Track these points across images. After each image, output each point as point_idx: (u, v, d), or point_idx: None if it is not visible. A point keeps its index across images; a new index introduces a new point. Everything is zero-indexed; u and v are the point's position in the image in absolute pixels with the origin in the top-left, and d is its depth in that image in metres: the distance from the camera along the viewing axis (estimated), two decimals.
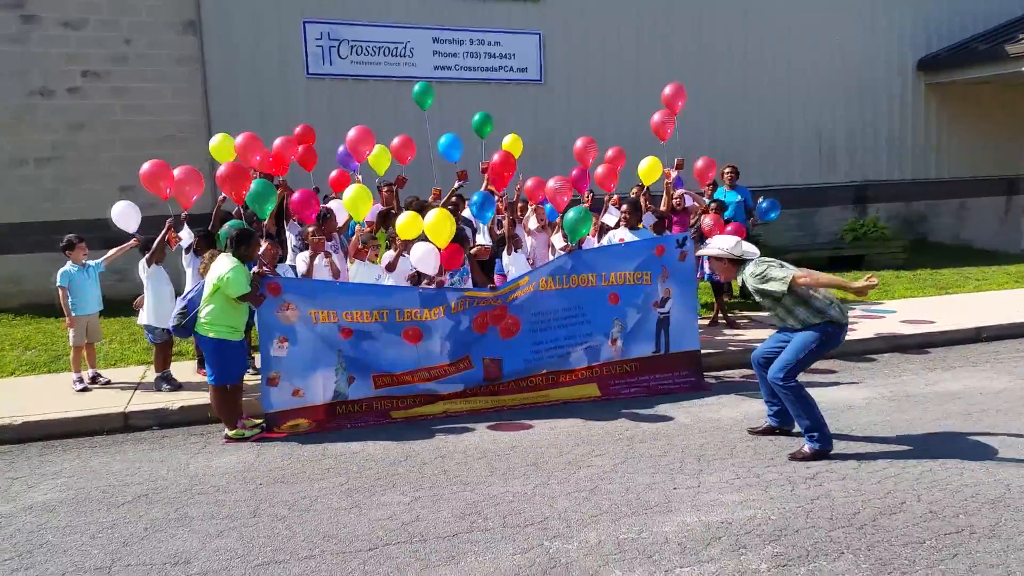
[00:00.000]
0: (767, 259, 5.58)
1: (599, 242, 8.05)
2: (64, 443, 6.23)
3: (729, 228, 8.27)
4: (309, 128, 8.71)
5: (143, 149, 10.89)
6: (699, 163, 9.04)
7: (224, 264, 5.97)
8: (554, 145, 12.69)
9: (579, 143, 8.69)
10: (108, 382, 7.39)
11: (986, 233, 16.44)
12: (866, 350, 8.30)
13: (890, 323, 9.13)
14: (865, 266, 13.26)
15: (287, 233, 8.10)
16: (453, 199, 8.50)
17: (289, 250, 7.97)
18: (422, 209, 8.18)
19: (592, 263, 7.18)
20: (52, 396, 7.00)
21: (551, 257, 7.77)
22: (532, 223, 8.05)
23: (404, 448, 5.89)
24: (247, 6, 11.94)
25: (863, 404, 6.61)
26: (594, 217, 8.26)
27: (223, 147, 7.58)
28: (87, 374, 7.38)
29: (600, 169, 8.38)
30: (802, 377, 5.54)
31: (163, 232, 7.14)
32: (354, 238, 7.21)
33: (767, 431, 5.89)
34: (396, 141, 8.59)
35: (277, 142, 7.79)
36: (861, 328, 8.81)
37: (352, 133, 8.26)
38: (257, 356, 7.40)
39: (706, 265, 9.26)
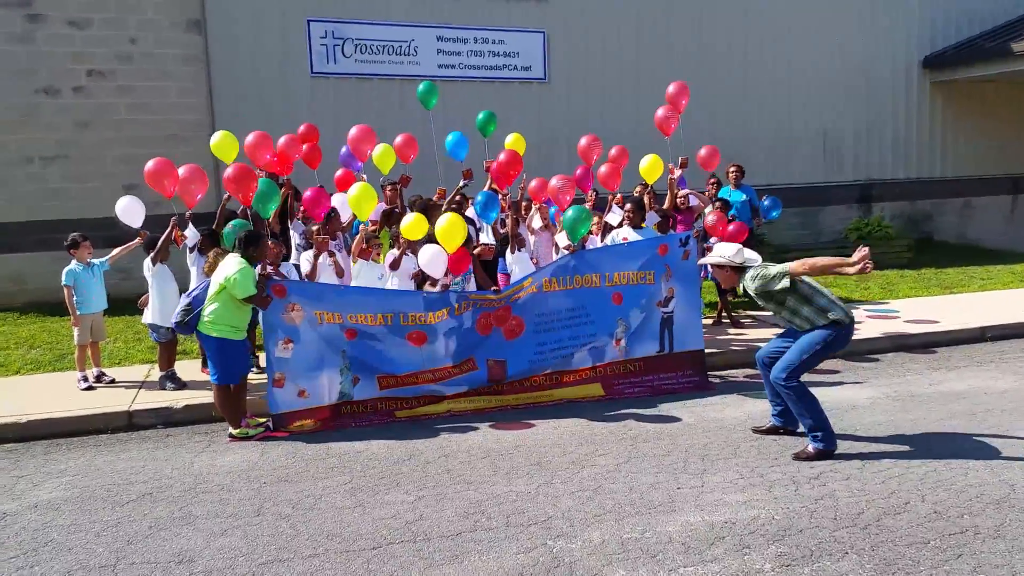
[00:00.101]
0: (766, 263, 5.58)
1: (602, 241, 8.05)
2: (69, 441, 6.25)
3: (731, 227, 8.26)
4: (313, 127, 8.72)
5: (148, 148, 10.90)
6: (702, 152, 9.03)
7: (232, 265, 5.97)
8: (558, 144, 12.69)
9: (583, 141, 8.68)
10: (113, 381, 7.41)
11: (991, 232, 16.40)
12: (870, 350, 8.28)
13: (894, 323, 9.11)
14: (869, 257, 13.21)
15: (291, 232, 8.11)
16: (457, 198, 8.50)
17: (293, 249, 7.99)
18: (426, 208, 8.19)
19: (595, 263, 7.17)
20: (57, 395, 7.03)
21: (554, 256, 7.77)
22: (536, 222, 8.05)
23: (408, 447, 5.90)
24: (251, 5, 11.96)
25: (867, 404, 6.60)
26: (597, 216, 8.27)
27: (224, 145, 7.58)
28: (92, 373, 7.40)
29: (604, 168, 8.37)
30: (805, 377, 5.53)
31: (167, 230, 7.15)
32: (358, 237, 7.22)
33: (771, 431, 5.88)
34: (399, 139, 8.60)
35: (281, 141, 7.80)
36: (865, 327, 8.79)
37: (353, 132, 8.26)
38: (261, 355, 7.42)
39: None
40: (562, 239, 7.58)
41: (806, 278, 5.47)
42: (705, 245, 8.55)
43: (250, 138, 7.48)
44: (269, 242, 6.68)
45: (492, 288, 7.35)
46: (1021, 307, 9.71)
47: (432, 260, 6.60)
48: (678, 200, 9.04)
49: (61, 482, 5.40)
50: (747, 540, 4.27)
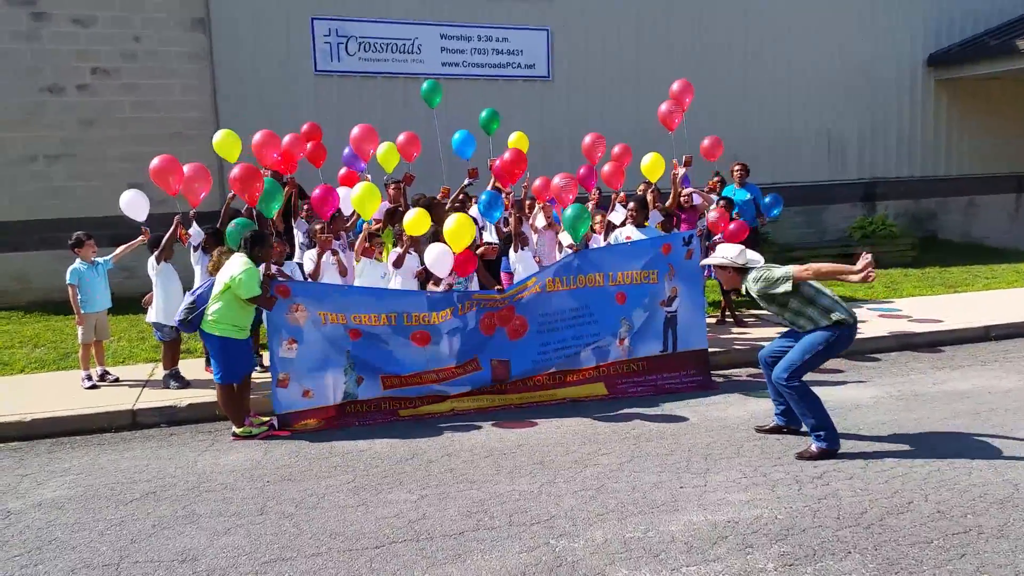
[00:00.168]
0: (769, 265, 5.57)
1: (606, 240, 8.04)
2: (73, 440, 6.27)
3: (732, 226, 8.25)
4: (316, 126, 8.72)
5: (152, 146, 10.91)
6: (705, 142, 9.01)
7: (237, 265, 5.98)
8: (562, 142, 12.68)
9: (587, 140, 8.67)
10: (117, 379, 7.42)
11: (996, 231, 16.35)
12: (874, 349, 8.27)
13: (898, 321, 9.09)
14: (873, 264, 13.18)
15: (295, 230, 8.12)
16: (460, 197, 8.50)
17: (296, 247, 7.99)
18: (430, 207, 8.18)
19: (599, 262, 7.16)
20: (61, 393, 7.04)
21: (558, 256, 7.77)
22: (539, 221, 8.04)
23: (411, 446, 5.90)
24: (255, 3, 11.96)
25: (871, 403, 6.58)
26: (601, 215, 8.27)
27: (226, 143, 7.59)
28: (96, 371, 7.42)
29: (607, 167, 8.36)
30: (809, 376, 5.52)
31: (171, 229, 7.16)
32: (361, 236, 7.22)
33: (774, 430, 5.88)
34: (402, 138, 8.59)
35: (286, 140, 7.80)
36: (869, 327, 8.78)
37: (356, 131, 8.24)
38: (265, 354, 7.43)
39: None
40: (566, 238, 7.58)
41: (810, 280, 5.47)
42: (708, 244, 8.54)
43: (257, 137, 7.48)
44: (275, 241, 6.69)
45: (496, 287, 7.36)
46: None
47: (438, 259, 6.60)
48: (682, 199, 9.02)
49: (65, 480, 5.42)
50: (750, 539, 4.27)
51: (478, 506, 4.80)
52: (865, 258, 5.16)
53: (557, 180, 7.54)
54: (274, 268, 6.58)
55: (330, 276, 7.16)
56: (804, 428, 5.58)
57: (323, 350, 6.44)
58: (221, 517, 4.76)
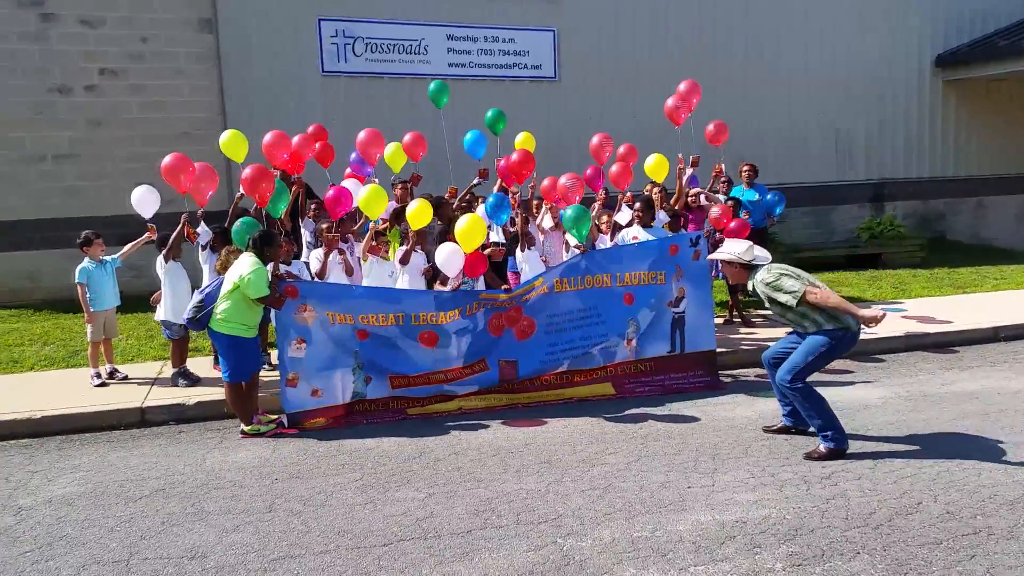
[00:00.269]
0: (780, 267, 5.52)
1: (612, 240, 8.03)
2: (82, 437, 6.30)
3: (733, 224, 8.25)
4: (321, 127, 8.73)
5: (160, 146, 10.95)
6: (710, 127, 8.98)
7: (245, 264, 5.99)
8: (568, 142, 12.67)
9: (595, 140, 8.67)
10: (125, 377, 7.45)
11: (1005, 232, 16.29)
12: (882, 349, 8.24)
13: (907, 322, 9.06)
14: (882, 265, 13.17)
15: (303, 230, 8.14)
16: (467, 197, 8.51)
17: (304, 247, 8.01)
18: (438, 206, 8.20)
19: (606, 263, 7.16)
20: (70, 391, 7.08)
21: (565, 256, 7.77)
22: (547, 222, 8.03)
23: (418, 445, 5.91)
24: (262, 4, 12.00)
25: (879, 403, 6.57)
26: (607, 215, 8.26)
27: (232, 143, 7.61)
28: (104, 369, 7.45)
29: (615, 167, 8.35)
30: (817, 376, 5.51)
31: (179, 228, 7.19)
32: (367, 235, 7.24)
33: (782, 430, 5.86)
34: (408, 138, 8.60)
35: (295, 140, 7.81)
36: (877, 327, 8.73)
37: (362, 136, 8.22)
38: (273, 353, 7.45)
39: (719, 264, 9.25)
40: (572, 239, 7.58)
41: (816, 282, 5.45)
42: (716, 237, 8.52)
43: (268, 137, 7.50)
44: (283, 240, 6.71)
45: (503, 287, 7.36)
46: None
47: (449, 259, 6.60)
48: (689, 199, 9.01)
49: (75, 477, 5.44)
50: (758, 539, 4.26)
51: (486, 504, 4.80)
52: (878, 314, 5.28)
53: (564, 180, 7.54)
54: (282, 268, 6.59)
55: (336, 275, 7.19)
56: (812, 428, 5.57)
57: (332, 350, 6.45)
58: (230, 514, 4.78)
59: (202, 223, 7.39)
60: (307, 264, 7.43)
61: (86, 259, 7.40)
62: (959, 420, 6.09)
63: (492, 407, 6.71)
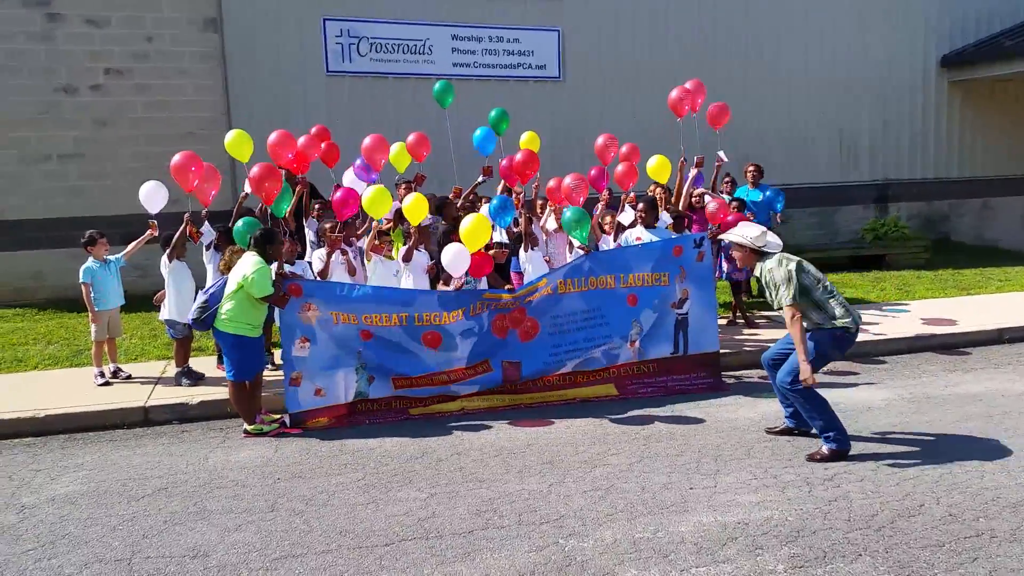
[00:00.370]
0: (791, 260, 5.44)
1: (615, 241, 8.02)
2: (85, 436, 6.31)
3: (731, 218, 8.25)
4: (324, 128, 8.73)
5: (164, 146, 11.01)
6: (712, 108, 8.95)
7: (249, 264, 6.00)
8: (572, 142, 12.68)
9: (600, 140, 8.66)
10: (129, 376, 7.47)
11: (1009, 233, 16.24)
12: (886, 351, 8.23)
13: (910, 324, 9.04)
14: (886, 266, 13.14)
15: (306, 230, 8.15)
16: (471, 197, 8.51)
17: (307, 247, 8.03)
18: (442, 207, 8.21)
19: (609, 264, 7.15)
20: (74, 390, 7.10)
21: (569, 258, 7.76)
22: (551, 224, 8.03)
23: (420, 445, 5.92)
24: (267, 4, 12.02)
25: (882, 405, 6.55)
26: (611, 215, 8.26)
27: (237, 143, 7.63)
28: (108, 368, 7.47)
29: (620, 167, 8.35)
30: (820, 377, 5.50)
31: (182, 227, 7.20)
32: (371, 234, 7.24)
33: (784, 432, 5.86)
34: (411, 138, 8.61)
35: (301, 140, 7.82)
36: (881, 328, 8.74)
37: (367, 142, 8.20)
38: (276, 352, 7.47)
39: (724, 264, 9.25)
40: (576, 240, 7.57)
41: (825, 281, 5.43)
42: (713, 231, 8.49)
43: (273, 137, 7.51)
44: (286, 240, 6.71)
45: (506, 287, 7.36)
46: None
47: (455, 259, 6.61)
48: (693, 200, 9.00)
49: (78, 476, 5.46)
50: (760, 541, 4.26)
51: (487, 505, 4.80)
52: (809, 378, 5.19)
53: (568, 181, 7.54)
54: (286, 268, 6.60)
55: (339, 275, 7.19)
56: (814, 430, 5.56)
57: (335, 350, 6.46)
58: (232, 514, 4.79)
59: (206, 223, 7.40)
60: (310, 264, 7.44)
61: (90, 259, 7.42)
62: (962, 422, 6.07)
63: (494, 407, 6.72)
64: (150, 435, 6.33)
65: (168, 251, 7.26)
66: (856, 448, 5.45)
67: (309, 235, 8.10)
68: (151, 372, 7.65)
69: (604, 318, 7.10)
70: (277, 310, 6.44)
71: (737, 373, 7.68)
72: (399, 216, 7.93)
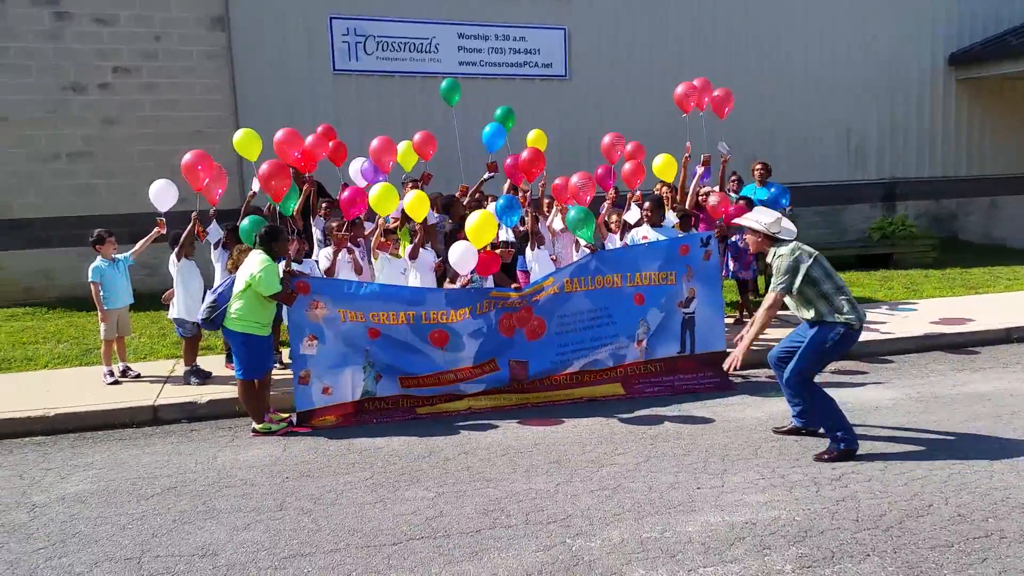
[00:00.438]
0: (805, 251, 5.38)
1: (622, 240, 8.02)
2: (95, 435, 6.35)
3: (731, 208, 8.25)
4: (330, 127, 8.74)
5: (172, 144, 11.07)
6: (718, 93, 8.92)
7: (256, 262, 6.02)
8: (579, 141, 12.67)
9: (606, 139, 8.65)
10: (138, 375, 7.50)
11: (1018, 231, 16.15)
12: (894, 350, 8.20)
13: (918, 323, 9.01)
14: (893, 265, 13.10)
15: (314, 229, 8.16)
16: (477, 195, 8.50)
17: (315, 245, 8.04)
18: (448, 205, 8.21)
19: (616, 263, 7.15)
20: (83, 389, 7.13)
21: (576, 257, 7.75)
22: (557, 224, 8.02)
23: (428, 444, 5.93)
24: (274, 3, 12.04)
25: (890, 405, 6.54)
26: (617, 213, 8.25)
27: (246, 142, 7.64)
28: (117, 367, 7.50)
29: (627, 166, 8.34)
30: (828, 377, 5.49)
31: (189, 226, 7.23)
32: (377, 231, 7.26)
33: (792, 431, 5.85)
34: (418, 137, 8.61)
35: (309, 139, 7.83)
36: (889, 327, 8.72)
37: (375, 144, 8.20)
38: (285, 351, 7.49)
39: (731, 263, 9.24)
40: (582, 238, 7.56)
41: (837, 277, 5.42)
42: (726, 245, 8.49)
43: (279, 135, 7.51)
44: (293, 238, 6.73)
45: (513, 286, 7.36)
46: None
47: (463, 256, 6.62)
48: (700, 197, 8.98)
49: (88, 475, 5.49)
50: (767, 541, 4.26)
51: (495, 504, 4.81)
52: (734, 362, 5.51)
53: (575, 179, 7.54)
54: (293, 266, 6.62)
55: (345, 274, 7.20)
56: (821, 429, 5.55)
57: (343, 348, 6.48)
58: (241, 512, 4.81)
59: (214, 222, 7.42)
60: (317, 263, 7.45)
61: (99, 258, 7.45)
62: (971, 422, 6.06)
63: (501, 407, 6.73)
64: (159, 434, 6.36)
65: (176, 250, 7.29)
66: (864, 448, 5.44)
67: (316, 234, 8.12)
68: (160, 371, 7.69)
69: (611, 317, 7.10)
70: (285, 309, 6.45)
71: (744, 372, 7.65)
72: (406, 215, 7.94)
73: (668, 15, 13.96)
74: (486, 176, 8.47)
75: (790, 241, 5.46)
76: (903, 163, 15.72)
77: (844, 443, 5.34)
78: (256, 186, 7.14)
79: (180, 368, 7.49)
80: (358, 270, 7.31)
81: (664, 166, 8.40)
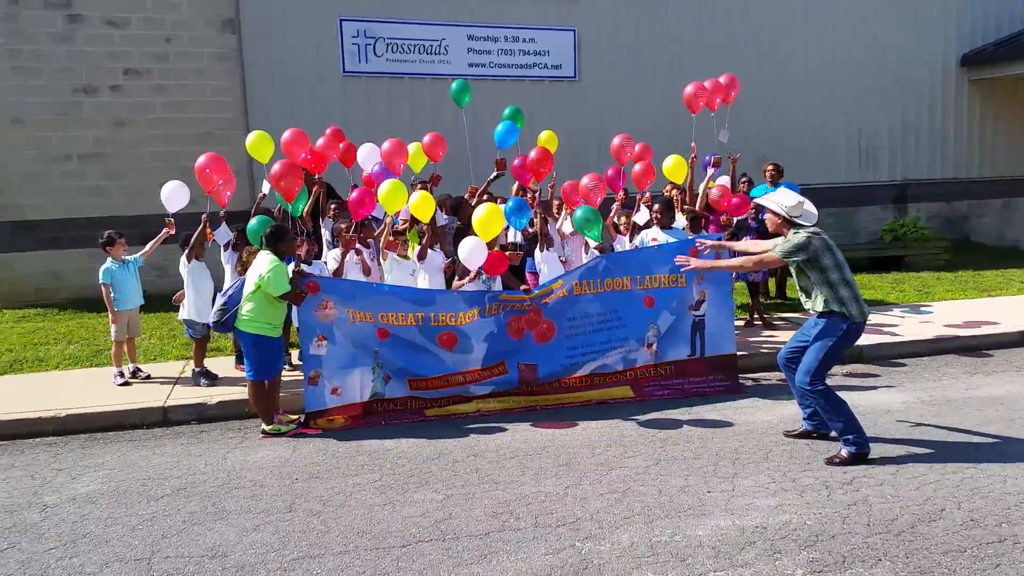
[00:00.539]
0: (821, 238, 5.39)
1: (631, 241, 8.00)
2: (105, 436, 6.37)
3: (735, 200, 8.22)
4: (339, 130, 8.76)
5: (183, 146, 11.13)
6: (722, 79, 8.88)
7: (264, 263, 6.04)
8: (589, 142, 12.65)
9: (616, 141, 8.64)
10: (148, 376, 7.53)
11: None
12: (906, 353, 8.15)
13: (930, 326, 8.95)
14: (905, 267, 13.02)
15: (323, 230, 8.18)
16: (485, 196, 8.49)
17: (324, 247, 8.05)
18: (458, 207, 8.21)
19: (625, 265, 7.13)
20: (94, 390, 7.16)
21: (585, 259, 7.73)
22: (567, 227, 8.01)
23: (437, 446, 5.92)
24: (284, 4, 12.08)
25: (902, 408, 6.49)
26: (626, 215, 8.24)
27: (258, 144, 7.66)
28: (127, 368, 7.53)
29: (637, 167, 8.32)
30: (840, 380, 5.46)
31: (199, 228, 7.25)
32: (385, 231, 7.25)
33: (803, 435, 5.81)
34: (427, 139, 8.62)
35: (320, 141, 7.85)
36: (900, 330, 8.66)
37: (386, 146, 8.21)
38: (294, 353, 7.50)
39: None
40: (592, 240, 7.55)
41: (847, 272, 5.38)
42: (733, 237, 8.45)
43: (287, 135, 7.53)
44: (303, 240, 6.74)
45: (522, 287, 7.35)
46: None
47: (472, 251, 6.62)
48: (710, 199, 8.94)
49: (98, 476, 5.51)
50: (778, 545, 4.23)
51: (504, 507, 4.80)
52: (695, 264, 6.21)
53: (585, 181, 7.53)
54: (303, 267, 6.63)
55: (353, 276, 7.21)
56: (833, 433, 5.52)
57: (352, 348, 6.48)
58: (250, 514, 4.82)
59: (223, 223, 7.44)
60: (326, 264, 7.46)
61: (109, 259, 7.48)
62: (983, 426, 6.01)
63: (510, 409, 6.71)
64: (169, 435, 6.38)
65: (187, 251, 7.31)
66: (875, 451, 5.40)
67: (325, 235, 8.13)
68: (170, 372, 7.71)
69: (620, 320, 7.08)
70: (295, 310, 6.46)
71: (755, 375, 7.63)
72: (415, 216, 7.95)
73: (679, 16, 13.91)
74: (494, 175, 8.47)
75: (809, 227, 5.45)
76: (915, 164, 15.64)
77: (856, 447, 5.31)
78: (266, 188, 7.16)
79: (190, 369, 7.50)
80: (366, 271, 7.32)
81: (674, 167, 8.38)
